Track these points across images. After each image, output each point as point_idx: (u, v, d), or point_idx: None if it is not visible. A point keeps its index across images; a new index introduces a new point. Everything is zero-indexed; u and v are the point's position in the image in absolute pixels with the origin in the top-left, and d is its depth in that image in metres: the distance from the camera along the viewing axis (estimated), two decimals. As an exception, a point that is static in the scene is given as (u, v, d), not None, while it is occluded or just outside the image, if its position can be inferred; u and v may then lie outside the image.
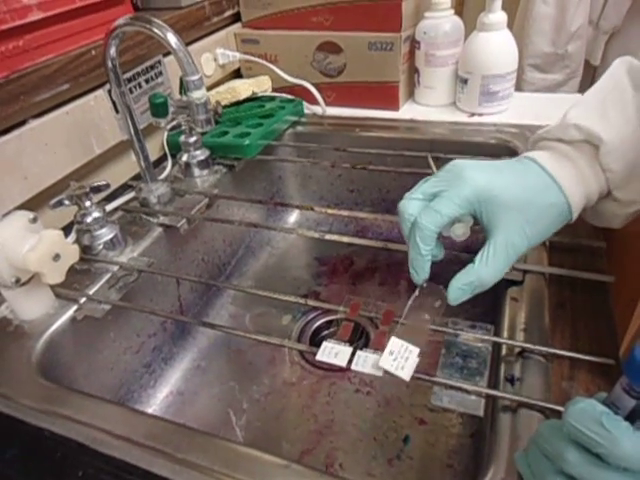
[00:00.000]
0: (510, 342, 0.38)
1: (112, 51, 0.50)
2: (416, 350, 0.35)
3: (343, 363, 0.37)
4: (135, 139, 0.58)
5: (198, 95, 0.51)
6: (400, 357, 0.35)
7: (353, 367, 0.37)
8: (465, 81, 0.75)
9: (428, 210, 0.34)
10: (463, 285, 0.34)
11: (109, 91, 0.61)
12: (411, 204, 0.36)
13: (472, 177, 0.34)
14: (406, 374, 0.34)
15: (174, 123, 0.64)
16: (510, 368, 0.37)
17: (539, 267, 0.45)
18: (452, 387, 0.35)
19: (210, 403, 0.60)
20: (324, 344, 0.39)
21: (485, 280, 0.34)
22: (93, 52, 0.57)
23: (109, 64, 0.51)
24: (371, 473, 0.50)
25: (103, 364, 0.53)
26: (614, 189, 0.36)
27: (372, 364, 0.37)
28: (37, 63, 0.52)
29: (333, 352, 0.38)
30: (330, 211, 0.58)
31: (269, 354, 0.66)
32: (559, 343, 0.38)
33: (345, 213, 0.59)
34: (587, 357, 0.36)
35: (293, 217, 0.86)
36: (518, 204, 0.33)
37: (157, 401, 0.60)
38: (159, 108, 0.55)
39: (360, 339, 0.67)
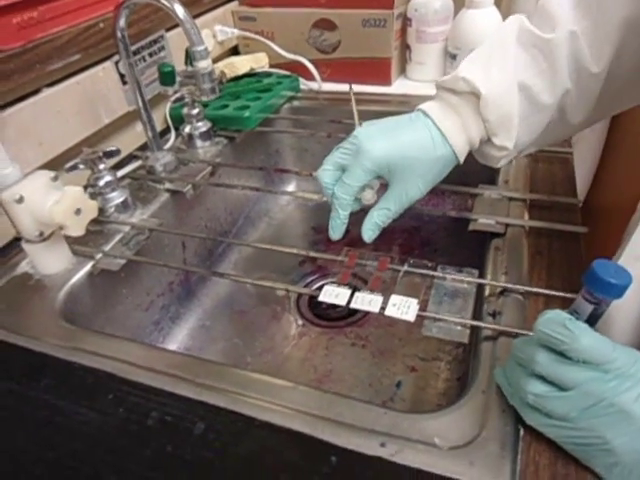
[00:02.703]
0: (492, 283, 0.43)
1: (122, 22, 0.53)
2: (414, 300, 0.40)
3: (343, 302, 0.41)
4: (143, 109, 0.61)
5: (204, 65, 0.54)
6: (403, 306, 0.39)
7: (352, 305, 0.41)
8: (454, 57, 0.78)
9: (341, 183, 0.42)
10: (372, 226, 0.43)
11: (116, 63, 0.64)
12: (326, 174, 0.43)
13: (371, 149, 0.40)
14: (411, 316, 0.39)
15: (178, 95, 0.67)
16: (492, 305, 0.42)
17: (520, 221, 0.50)
18: (441, 320, 0.40)
19: (215, 357, 0.64)
20: (325, 287, 0.43)
21: (385, 217, 0.43)
22: (101, 25, 0.60)
23: (119, 35, 0.54)
24: (367, 414, 0.55)
25: (117, 319, 0.57)
26: (491, 136, 0.41)
27: (369, 302, 0.41)
28: (50, 34, 0.54)
29: (334, 294, 0.42)
30: (328, 176, 0.62)
31: (270, 314, 0.70)
32: (536, 284, 0.43)
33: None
34: (559, 293, 0.41)
35: (291, 187, 0.89)
36: (410, 163, 0.40)
37: (166, 356, 0.64)
38: (167, 76, 0.58)
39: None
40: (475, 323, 0.39)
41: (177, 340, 0.66)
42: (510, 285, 0.42)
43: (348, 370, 0.61)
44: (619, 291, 0.27)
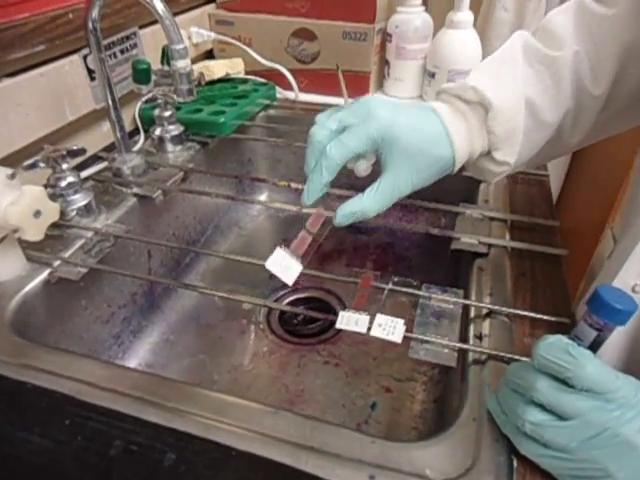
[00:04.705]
0: (478, 304, 0.42)
1: (95, 13, 0.50)
2: (401, 320, 0.38)
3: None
4: (112, 107, 0.57)
5: (182, 64, 0.51)
6: (388, 327, 0.37)
7: (338, 325, 0.39)
8: (433, 75, 0.79)
9: (338, 143, 0.36)
10: (349, 213, 0.38)
11: (84, 57, 0.60)
12: (321, 132, 0.37)
13: (381, 116, 0.36)
14: (397, 337, 0.37)
15: (150, 95, 0.64)
16: (478, 327, 0.41)
17: (502, 241, 0.49)
18: (428, 342, 0.38)
19: (180, 375, 0.60)
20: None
21: (368, 213, 0.38)
22: (71, 15, 0.56)
23: (90, 26, 0.51)
24: (341, 437, 0.53)
25: (73, 332, 0.52)
26: (493, 150, 0.40)
27: (355, 321, 0.39)
28: (13, 20, 0.50)
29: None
30: (306, 187, 0.60)
31: (239, 329, 0.66)
32: (521, 305, 0.42)
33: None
34: (545, 317, 0.40)
35: (262, 198, 0.87)
36: (412, 152, 0.37)
37: (125, 373, 0.59)
38: (142, 74, 0.55)
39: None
40: (463, 346, 0.38)
41: (138, 355, 0.62)
42: (496, 307, 0.41)
43: (321, 390, 0.58)
44: (624, 317, 0.26)
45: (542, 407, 0.28)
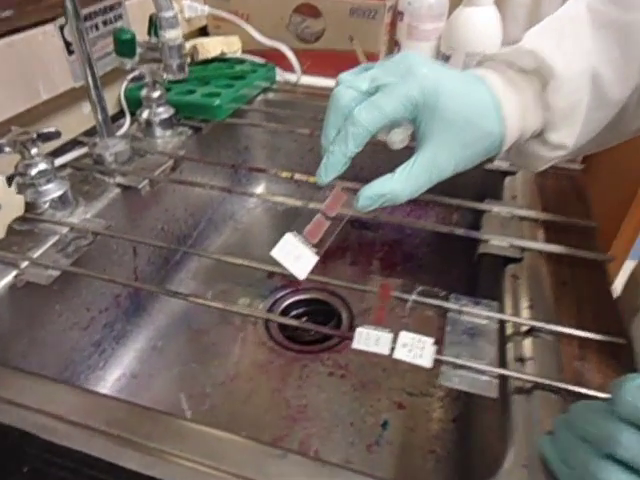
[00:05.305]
0: (517, 320, 0.36)
1: (70, -27, 0.43)
2: (429, 340, 0.32)
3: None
4: (93, 86, 0.50)
5: (172, 35, 0.44)
6: (415, 347, 0.31)
7: (355, 345, 0.33)
8: (447, 58, 0.72)
9: (370, 105, 0.29)
10: (375, 195, 0.31)
11: (61, 27, 0.52)
12: (348, 94, 0.30)
13: (424, 74, 0.30)
14: (426, 361, 0.31)
15: (137, 73, 0.57)
16: (519, 347, 0.35)
17: (538, 244, 0.43)
18: (463, 367, 0.32)
19: (168, 386, 0.54)
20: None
21: (399, 196, 0.31)
22: (44, -23, 0.48)
23: (66, -11, 0.44)
24: (349, 460, 0.47)
25: (45, 341, 0.46)
26: (547, 130, 0.33)
27: (375, 341, 0.33)
28: (-27, -21, 0.43)
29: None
30: (313, 179, 0.53)
31: (234, 334, 0.60)
32: (566, 321, 0.36)
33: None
34: (597, 336, 0.34)
35: (260, 189, 0.80)
36: (459, 122, 0.30)
37: (107, 384, 0.53)
38: (126, 45, 0.48)
39: (332, 320, 0.63)
40: (505, 372, 0.32)
41: (122, 364, 0.55)
42: (538, 323, 0.35)
43: (326, 405, 0.52)
44: None
45: (626, 465, 0.22)
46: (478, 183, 0.66)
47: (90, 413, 0.30)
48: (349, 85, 0.31)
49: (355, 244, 0.74)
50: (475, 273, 0.63)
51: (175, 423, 0.30)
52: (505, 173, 0.56)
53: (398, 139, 0.32)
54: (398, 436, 0.49)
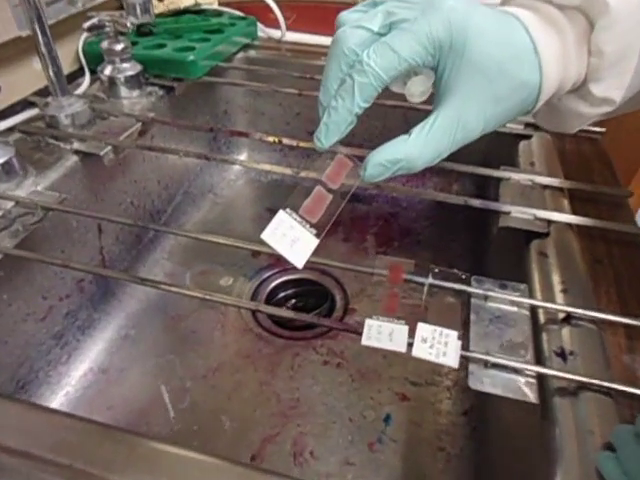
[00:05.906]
0: (554, 307, 0.30)
1: None
2: (453, 333, 0.26)
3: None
4: (40, 34, 0.42)
5: (132, -35, 0.36)
6: (437, 342, 0.26)
7: (365, 342, 0.27)
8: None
9: (382, 47, 0.23)
10: (386, 161, 0.25)
11: (-2, -40, 0.44)
12: (356, 34, 0.24)
13: (450, 6, 0.23)
14: (451, 360, 0.25)
15: (95, 20, 0.48)
16: (556, 338, 0.29)
17: (566, 217, 0.38)
18: (496, 365, 0.27)
19: (143, 382, 0.48)
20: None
21: (415, 163, 0.25)
22: None
23: None
24: (349, 461, 0.42)
25: (-7, 336, 0.39)
26: (592, 80, 0.27)
27: (389, 335, 0.27)
28: None
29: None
30: (303, 144, 0.47)
31: (216, 320, 0.54)
32: (607, 306, 0.31)
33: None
34: (646, 324, 0.29)
35: (242, 157, 0.73)
36: (491, 70, 0.24)
37: (72, 381, 0.47)
38: (74, -23, 0.40)
39: (325, 303, 0.57)
40: (545, 371, 0.26)
41: (89, 357, 0.49)
42: (577, 310, 0.30)
43: (321, 399, 0.47)
44: None
45: None
46: (483, 148, 0.60)
47: (32, 433, 0.24)
48: (356, 24, 0.24)
49: (347, 219, 0.68)
50: (482, 249, 0.58)
51: (142, 445, 0.24)
52: (517, 136, 0.50)
53: (418, 90, 0.25)
54: (402, 432, 0.44)
